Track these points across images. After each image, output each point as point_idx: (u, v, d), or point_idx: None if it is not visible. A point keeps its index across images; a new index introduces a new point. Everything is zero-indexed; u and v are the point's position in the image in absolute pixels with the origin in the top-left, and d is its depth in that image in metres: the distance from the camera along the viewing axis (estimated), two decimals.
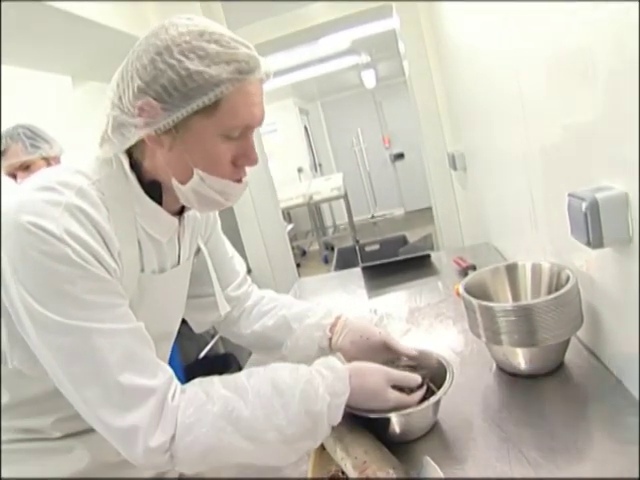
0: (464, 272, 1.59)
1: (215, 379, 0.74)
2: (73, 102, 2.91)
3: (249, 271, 2.89)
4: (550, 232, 1.10)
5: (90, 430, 0.69)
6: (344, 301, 1.68)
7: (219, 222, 1.05)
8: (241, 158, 0.74)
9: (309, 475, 0.77)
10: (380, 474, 0.70)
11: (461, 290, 0.97)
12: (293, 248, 3.74)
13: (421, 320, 1.34)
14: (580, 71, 0.76)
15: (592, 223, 0.72)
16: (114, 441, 0.66)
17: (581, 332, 0.93)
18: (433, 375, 0.87)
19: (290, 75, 5.17)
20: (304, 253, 6.47)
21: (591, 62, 0.72)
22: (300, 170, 7.03)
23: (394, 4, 2.62)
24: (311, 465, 0.79)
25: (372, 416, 0.79)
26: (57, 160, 1.88)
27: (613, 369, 0.88)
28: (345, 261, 2.72)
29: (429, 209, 3.26)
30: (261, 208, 2.87)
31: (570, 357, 0.95)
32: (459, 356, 1.08)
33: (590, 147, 0.80)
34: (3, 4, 1.53)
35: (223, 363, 2.55)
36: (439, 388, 0.82)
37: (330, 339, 0.99)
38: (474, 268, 1.59)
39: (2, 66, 2.18)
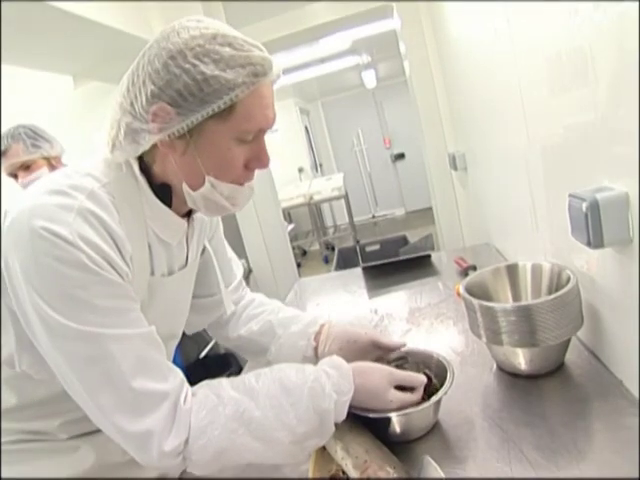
0: (464, 272, 1.59)
1: (224, 381, 0.74)
2: (74, 102, 2.92)
3: (250, 271, 2.89)
4: (551, 232, 1.10)
5: (96, 431, 0.70)
6: (344, 301, 1.68)
7: (221, 224, 1.06)
8: (253, 161, 0.75)
9: (310, 474, 0.77)
10: (381, 474, 0.70)
11: (462, 290, 0.98)
12: (294, 248, 3.74)
13: (421, 320, 1.34)
14: (581, 71, 0.76)
15: (593, 223, 0.72)
16: (128, 446, 0.66)
17: (581, 332, 0.93)
18: (433, 375, 0.87)
19: (291, 75, 5.17)
20: (305, 253, 6.47)
21: (592, 62, 0.72)
22: (301, 170, 7.03)
23: (395, 4, 2.62)
24: (312, 465, 0.79)
25: (372, 416, 0.79)
26: (58, 160, 1.88)
27: (614, 369, 0.88)
28: (346, 261, 2.72)
29: (430, 209, 3.26)
30: (262, 208, 2.87)
31: (570, 357, 0.95)
32: (459, 356, 1.08)
33: (591, 147, 0.80)
34: (4, 4, 1.53)
35: (223, 363, 2.56)
36: (440, 388, 0.82)
37: (316, 348, 0.98)
38: (474, 268, 1.59)
39: (3, 65, 2.19)
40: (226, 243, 1.08)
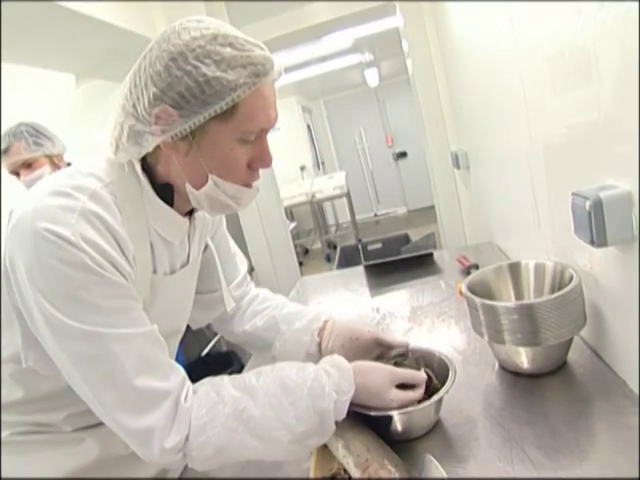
0: (467, 271, 1.59)
1: (225, 379, 0.75)
2: (76, 100, 2.92)
3: (252, 269, 2.89)
4: (553, 231, 1.09)
5: (100, 423, 0.71)
6: (346, 300, 1.68)
7: (224, 220, 1.06)
8: (256, 161, 0.75)
9: (311, 473, 0.77)
10: (382, 472, 0.70)
11: (464, 289, 0.97)
12: (296, 246, 3.74)
13: (423, 319, 1.33)
14: (584, 70, 0.76)
15: (596, 222, 0.71)
16: (130, 442, 0.68)
17: (584, 331, 0.92)
18: (435, 373, 0.87)
19: (293, 73, 5.17)
20: (307, 251, 6.47)
21: (595, 61, 0.72)
22: (303, 168, 7.03)
23: (397, 3, 2.62)
24: (313, 463, 0.79)
25: (374, 414, 0.79)
26: (60, 158, 1.88)
27: (616, 368, 0.88)
28: (347, 259, 2.72)
29: (432, 208, 3.26)
30: (264, 206, 2.87)
31: (573, 356, 0.95)
32: (461, 355, 1.08)
33: (594, 146, 0.80)
34: (5, 2, 1.53)
35: (225, 361, 2.56)
36: (441, 387, 0.82)
37: (319, 344, 0.99)
38: (477, 267, 1.59)
39: (5, 63, 2.19)
40: (230, 238, 1.08)
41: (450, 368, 0.85)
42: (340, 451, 0.76)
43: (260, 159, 0.75)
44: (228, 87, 0.65)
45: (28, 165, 1.79)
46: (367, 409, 0.79)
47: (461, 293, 1.18)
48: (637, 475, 0.64)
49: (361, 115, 7.62)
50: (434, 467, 0.70)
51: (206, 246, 0.97)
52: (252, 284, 1.12)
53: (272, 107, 0.72)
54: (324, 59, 4.95)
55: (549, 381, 0.91)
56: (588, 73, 0.75)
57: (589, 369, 0.91)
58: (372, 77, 6.18)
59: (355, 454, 0.73)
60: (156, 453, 0.67)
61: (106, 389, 0.66)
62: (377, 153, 7.75)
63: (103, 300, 0.65)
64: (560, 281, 0.94)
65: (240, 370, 1.11)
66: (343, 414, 0.74)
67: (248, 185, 0.76)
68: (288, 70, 4.92)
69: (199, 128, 0.68)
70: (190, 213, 0.84)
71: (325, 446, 0.79)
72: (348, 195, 5.62)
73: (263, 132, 0.73)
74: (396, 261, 1.86)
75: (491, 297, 0.99)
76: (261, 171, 0.78)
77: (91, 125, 2.41)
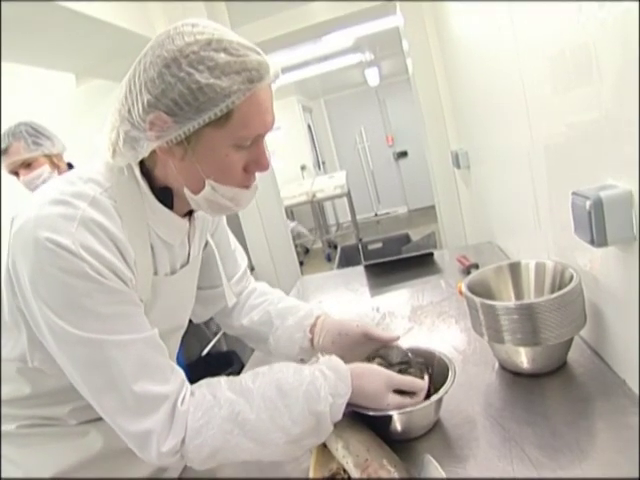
0: (467, 270, 1.59)
1: (222, 380, 0.76)
2: (76, 99, 2.92)
3: (252, 269, 2.89)
4: (554, 231, 1.09)
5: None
6: (347, 299, 1.68)
7: (224, 216, 1.06)
8: (253, 165, 0.75)
9: (311, 473, 0.77)
10: (382, 472, 0.70)
11: (464, 288, 0.97)
12: (296, 246, 3.74)
13: (424, 318, 1.33)
14: (584, 69, 0.75)
15: (596, 222, 0.71)
16: (130, 444, 0.70)
17: (584, 331, 0.92)
18: (435, 373, 0.87)
19: (293, 73, 5.16)
20: (307, 251, 6.47)
21: (595, 60, 0.72)
22: (303, 168, 7.03)
23: (398, 2, 2.61)
24: (312, 463, 0.79)
25: (374, 414, 0.79)
26: (59, 157, 1.88)
27: (616, 368, 0.88)
28: (348, 259, 2.72)
29: (432, 207, 3.25)
30: (264, 206, 2.87)
31: (573, 356, 0.95)
32: (461, 354, 1.08)
33: (594, 145, 0.79)
34: (5, 2, 1.53)
35: (225, 361, 2.56)
36: (441, 386, 0.82)
37: (312, 340, 1.00)
38: (477, 267, 1.59)
39: (5, 63, 2.19)
40: (230, 234, 1.09)
41: (450, 368, 0.85)
42: (339, 451, 0.76)
43: (256, 163, 0.75)
44: (222, 94, 0.65)
45: (27, 165, 1.79)
46: (366, 409, 0.79)
47: (461, 293, 1.18)
48: (637, 475, 0.64)
49: (362, 114, 7.62)
50: (433, 467, 0.70)
51: (206, 243, 0.98)
52: (252, 278, 1.14)
53: (268, 112, 0.72)
54: (324, 58, 4.94)
55: (549, 381, 0.90)
56: (589, 72, 0.74)
57: (589, 369, 0.91)
58: (372, 76, 6.17)
59: (354, 454, 0.73)
60: (154, 455, 0.68)
61: (106, 393, 0.68)
62: (378, 152, 7.75)
63: (104, 307, 0.67)
64: (560, 281, 0.94)
65: (240, 370, 1.11)
66: (339, 416, 0.75)
67: (246, 187, 0.76)
68: (289, 69, 4.93)
69: (194, 134, 0.68)
70: (190, 213, 0.84)
71: (324, 446, 0.79)
72: (349, 195, 5.62)
73: (259, 137, 0.73)
74: (396, 261, 1.86)
75: (491, 297, 0.99)
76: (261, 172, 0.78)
77: (91, 125, 2.41)
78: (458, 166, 2.32)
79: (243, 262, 1.11)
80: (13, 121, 1.80)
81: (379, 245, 2.24)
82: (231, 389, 0.74)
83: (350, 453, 0.74)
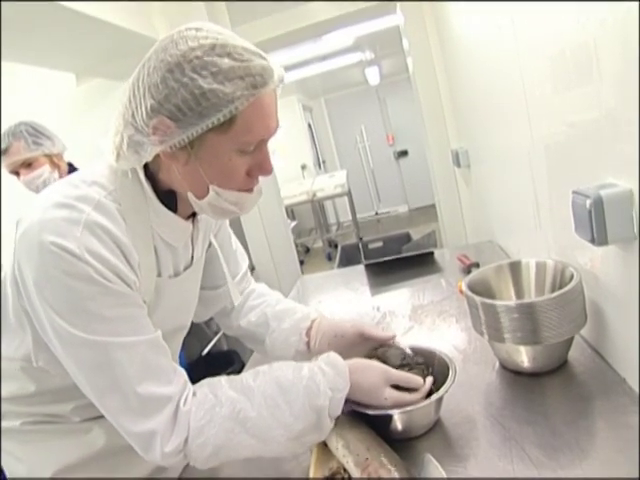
0: (467, 270, 1.59)
1: (223, 380, 0.77)
2: (76, 99, 2.92)
3: (253, 268, 2.89)
4: (554, 230, 1.09)
5: None
6: (347, 298, 1.68)
7: None
8: (256, 170, 0.75)
9: (311, 471, 0.77)
10: (382, 472, 0.70)
11: (464, 288, 0.97)
12: (296, 245, 3.74)
13: (424, 318, 1.33)
14: (585, 68, 0.75)
15: (596, 220, 0.71)
16: (133, 444, 0.71)
17: (585, 330, 0.92)
18: (435, 372, 0.87)
19: (294, 72, 5.16)
20: (307, 250, 6.47)
21: (596, 60, 0.72)
22: (304, 167, 7.03)
23: (398, 1, 2.61)
24: (313, 462, 0.79)
25: (373, 413, 0.79)
26: (60, 157, 1.88)
27: (617, 367, 0.88)
28: (348, 258, 2.72)
29: (433, 206, 3.25)
30: (265, 205, 2.87)
31: (574, 355, 0.95)
32: (462, 354, 1.08)
33: (594, 144, 0.79)
34: (5, 2, 1.53)
35: (226, 360, 2.56)
36: (442, 385, 0.82)
37: (308, 343, 1.00)
38: (477, 266, 1.59)
39: (5, 62, 2.19)
40: (232, 234, 1.09)
41: (450, 367, 0.85)
42: (340, 450, 0.76)
43: (260, 168, 0.74)
44: (225, 99, 0.64)
45: (28, 165, 1.79)
46: (366, 408, 0.79)
47: (462, 292, 1.18)
48: (637, 474, 0.64)
49: (362, 113, 7.61)
50: (433, 466, 0.70)
51: (210, 243, 0.98)
52: (251, 279, 1.14)
53: (272, 117, 0.72)
54: (325, 57, 4.94)
55: (549, 380, 0.90)
56: (589, 71, 0.74)
57: (590, 368, 0.91)
58: (373, 75, 6.16)
59: (355, 453, 0.73)
60: (158, 456, 0.69)
61: (110, 395, 0.69)
62: (378, 152, 7.74)
63: (108, 310, 0.67)
64: (561, 280, 0.94)
65: (241, 369, 1.11)
66: (338, 411, 0.75)
67: (249, 191, 0.76)
68: (289, 69, 4.92)
69: (197, 139, 0.67)
70: (193, 215, 0.85)
71: (325, 445, 0.79)
72: (349, 194, 5.61)
73: (263, 142, 0.73)
74: (397, 260, 1.86)
75: (492, 296, 0.99)
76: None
77: (91, 124, 2.41)
78: (458, 165, 2.32)
79: (244, 263, 1.11)
80: (13, 121, 1.80)
81: (379, 244, 2.24)
82: (232, 388, 0.74)
83: (350, 452, 0.74)
